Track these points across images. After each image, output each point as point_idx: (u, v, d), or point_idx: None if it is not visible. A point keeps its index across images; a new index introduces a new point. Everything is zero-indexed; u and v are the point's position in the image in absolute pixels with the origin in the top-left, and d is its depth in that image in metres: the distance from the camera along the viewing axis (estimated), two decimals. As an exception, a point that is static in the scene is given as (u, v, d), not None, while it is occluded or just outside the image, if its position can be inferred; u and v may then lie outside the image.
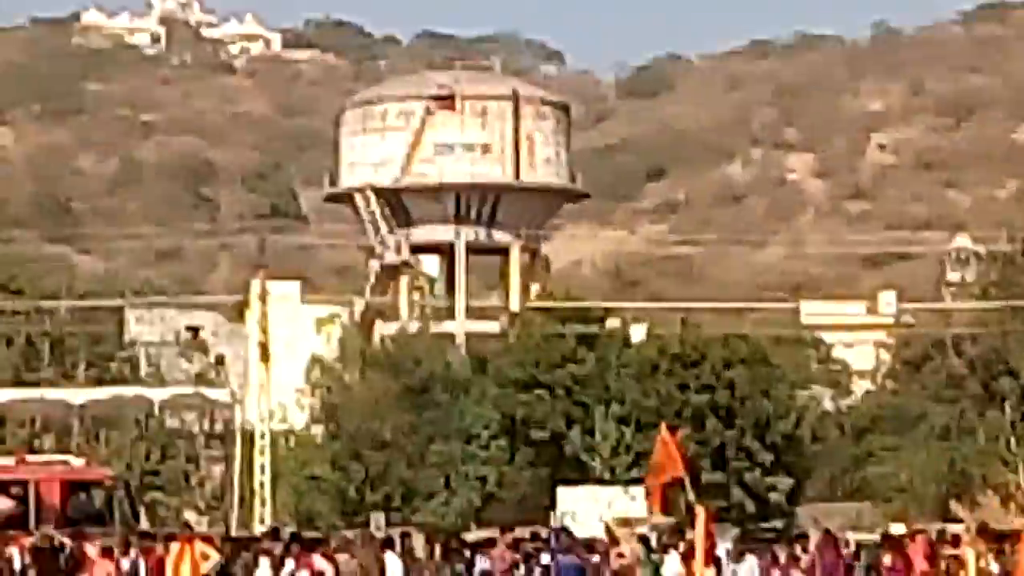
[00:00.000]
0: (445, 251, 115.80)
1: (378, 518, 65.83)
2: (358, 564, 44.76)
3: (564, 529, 51.37)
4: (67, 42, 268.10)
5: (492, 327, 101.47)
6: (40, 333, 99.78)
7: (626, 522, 54.20)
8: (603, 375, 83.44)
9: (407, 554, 45.71)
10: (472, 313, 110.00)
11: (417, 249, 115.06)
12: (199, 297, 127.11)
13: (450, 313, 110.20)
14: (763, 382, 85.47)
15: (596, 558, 44.95)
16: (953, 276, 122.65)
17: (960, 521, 63.67)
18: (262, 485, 66.34)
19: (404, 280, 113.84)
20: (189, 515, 66.39)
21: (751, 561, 45.35)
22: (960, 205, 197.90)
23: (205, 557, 43.99)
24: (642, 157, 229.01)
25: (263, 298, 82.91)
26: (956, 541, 45.05)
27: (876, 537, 52.19)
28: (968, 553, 41.33)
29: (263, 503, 65.93)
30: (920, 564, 43.22)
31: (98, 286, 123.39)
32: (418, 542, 50.65)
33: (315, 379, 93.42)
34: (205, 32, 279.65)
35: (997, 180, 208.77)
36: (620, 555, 43.68)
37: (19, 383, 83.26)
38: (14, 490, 54.31)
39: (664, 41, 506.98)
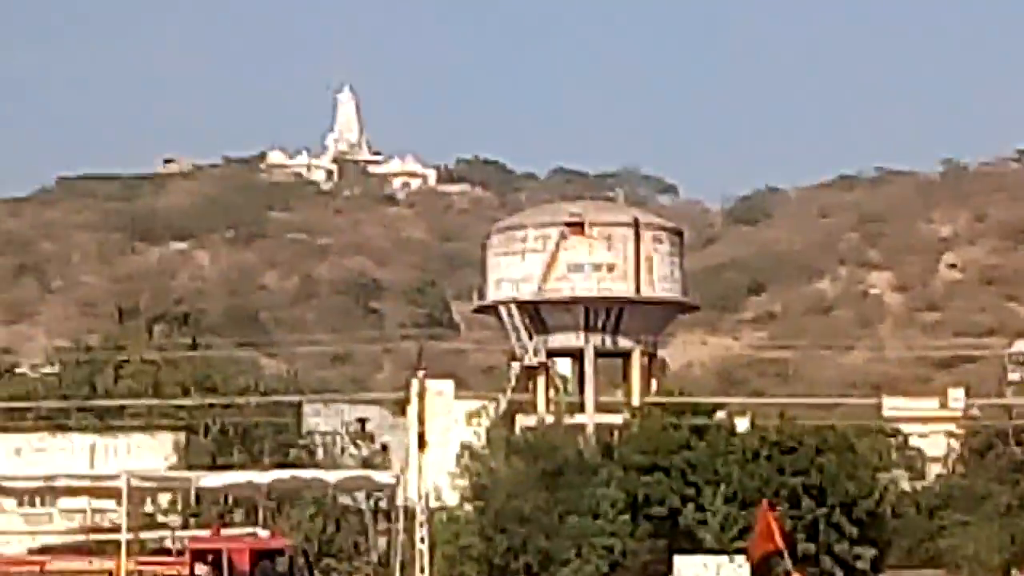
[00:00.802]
0: (576, 355, 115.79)
1: None
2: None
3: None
4: (254, 178, 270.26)
5: (617, 419, 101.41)
6: (232, 424, 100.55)
7: None
8: (713, 460, 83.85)
9: None
10: (600, 407, 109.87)
11: (552, 353, 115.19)
12: (366, 394, 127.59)
13: (581, 407, 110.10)
14: (849, 467, 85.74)
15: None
16: (1014, 376, 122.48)
17: None
18: (421, 554, 66.48)
19: (541, 380, 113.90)
20: None
21: None
22: (1019, 315, 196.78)
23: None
24: (745, 275, 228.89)
25: (421, 395, 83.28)
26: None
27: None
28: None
29: (422, 570, 66.08)
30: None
31: (281, 385, 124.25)
32: None
33: (465, 464, 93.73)
34: (372, 169, 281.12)
35: None
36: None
37: (214, 467, 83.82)
38: (211, 558, 54.88)
39: (764, 175, 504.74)
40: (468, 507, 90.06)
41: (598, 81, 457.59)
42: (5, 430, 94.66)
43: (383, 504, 78.96)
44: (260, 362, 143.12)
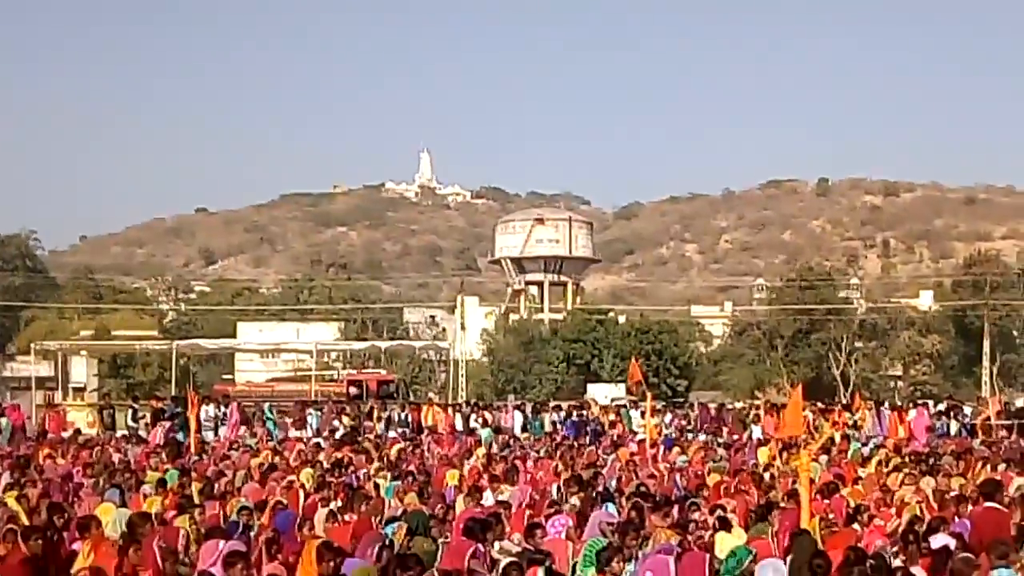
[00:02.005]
0: (539, 284, 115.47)
1: (511, 397, 65.58)
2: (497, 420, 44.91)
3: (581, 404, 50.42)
4: (379, 196, 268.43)
5: (559, 316, 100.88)
6: (366, 318, 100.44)
7: (615, 400, 54.08)
8: (606, 337, 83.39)
9: (526, 413, 45.47)
10: (551, 310, 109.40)
11: (528, 283, 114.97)
12: (435, 303, 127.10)
13: (541, 309, 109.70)
14: (674, 340, 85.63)
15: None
16: (758, 295, 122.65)
17: (758, 398, 63.47)
18: (460, 383, 66.26)
19: (522, 296, 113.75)
20: (432, 395, 66.16)
21: (669, 415, 44.96)
22: (760, 266, 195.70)
23: (438, 413, 43.91)
24: (623, 245, 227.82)
25: (462, 304, 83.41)
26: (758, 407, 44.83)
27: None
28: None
29: (462, 390, 65.75)
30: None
31: (392, 298, 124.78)
32: (527, 407, 49.92)
33: (484, 337, 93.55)
34: (438, 191, 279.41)
35: (778, 256, 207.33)
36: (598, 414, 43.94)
37: (358, 339, 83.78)
38: (356, 384, 54.57)
39: (634, 195, 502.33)
40: (484, 359, 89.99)
41: (551, 143, 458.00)
42: (254, 320, 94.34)
43: (443, 357, 78.84)
44: (381, 287, 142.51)
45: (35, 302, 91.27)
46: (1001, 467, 22.80)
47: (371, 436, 36.80)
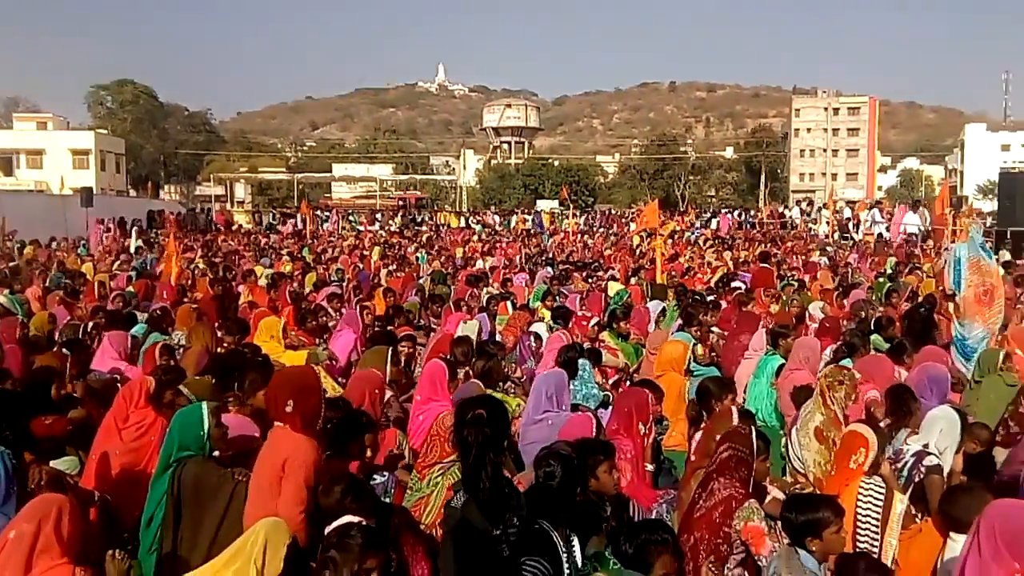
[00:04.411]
0: (509, 142, 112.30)
1: (492, 207, 62.70)
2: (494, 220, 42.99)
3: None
4: (414, 91, 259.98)
5: (520, 161, 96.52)
6: (406, 160, 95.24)
7: (552, 208, 51.92)
8: (548, 173, 76.97)
9: (501, 216, 44.30)
10: (516, 158, 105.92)
11: (502, 142, 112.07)
12: (448, 153, 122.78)
13: (510, 157, 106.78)
14: (586, 175, 78.92)
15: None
16: (634, 150, 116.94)
17: (633, 208, 60.09)
18: (463, 199, 65.09)
19: (499, 150, 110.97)
20: (447, 207, 64.24)
21: (583, 217, 43.99)
22: (636, 132, 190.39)
23: (449, 216, 43.06)
24: (557, 120, 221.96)
25: (464, 154, 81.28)
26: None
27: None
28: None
29: (464, 203, 64.55)
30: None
31: (418, 145, 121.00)
32: (501, 213, 48.21)
33: (476, 173, 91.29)
34: (449, 88, 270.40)
35: (647, 127, 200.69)
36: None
37: (404, 174, 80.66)
38: (403, 200, 53.22)
39: (566, 87, 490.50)
40: (476, 185, 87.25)
41: (517, 57, 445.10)
42: (342, 162, 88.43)
43: (453, 185, 77.16)
44: (416, 144, 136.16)
45: (211, 150, 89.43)
46: (768, 245, 23.14)
47: (411, 228, 36.81)
